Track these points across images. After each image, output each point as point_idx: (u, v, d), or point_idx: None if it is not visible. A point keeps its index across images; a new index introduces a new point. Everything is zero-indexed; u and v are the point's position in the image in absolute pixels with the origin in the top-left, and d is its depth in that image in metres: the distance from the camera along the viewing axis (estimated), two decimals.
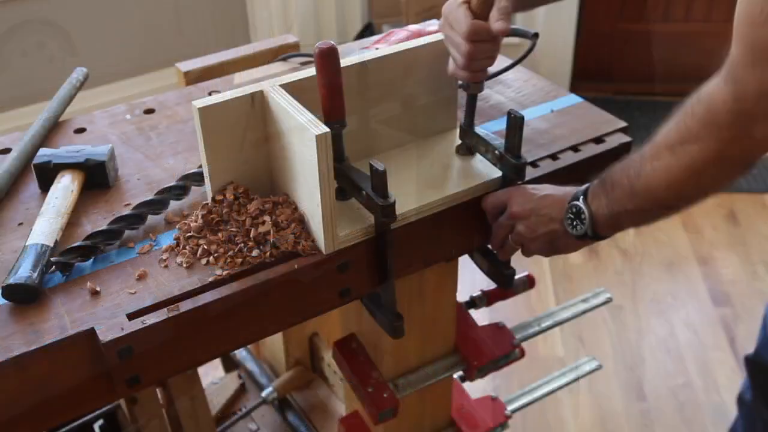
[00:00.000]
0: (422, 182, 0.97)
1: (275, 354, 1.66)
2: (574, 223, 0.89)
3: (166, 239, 0.91)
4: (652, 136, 0.83)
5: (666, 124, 0.81)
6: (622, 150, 1.07)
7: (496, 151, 0.96)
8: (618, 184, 0.85)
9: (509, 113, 0.91)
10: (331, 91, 0.86)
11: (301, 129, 0.82)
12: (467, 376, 1.18)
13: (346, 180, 0.90)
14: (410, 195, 0.94)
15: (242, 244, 0.87)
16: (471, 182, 0.97)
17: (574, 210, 0.89)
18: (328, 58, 0.85)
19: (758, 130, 0.72)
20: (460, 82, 0.99)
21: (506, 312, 2.18)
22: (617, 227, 0.89)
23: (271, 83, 0.90)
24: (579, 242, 0.92)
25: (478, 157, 1.02)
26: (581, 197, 0.89)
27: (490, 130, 1.10)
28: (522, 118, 0.91)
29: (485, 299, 1.29)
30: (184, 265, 0.87)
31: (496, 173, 0.98)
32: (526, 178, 1.00)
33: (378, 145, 1.03)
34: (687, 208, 0.86)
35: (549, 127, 1.10)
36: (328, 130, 0.80)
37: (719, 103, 0.72)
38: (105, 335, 0.77)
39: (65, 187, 0.96)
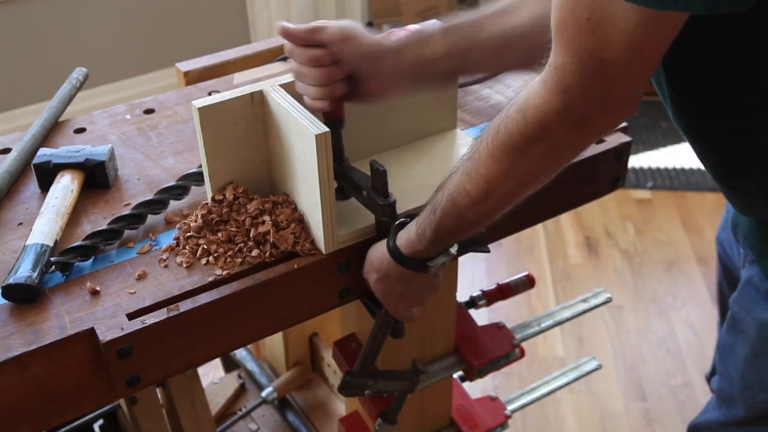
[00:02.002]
0: (421, 182, 0.97)
1: (275, 354, 1.66)
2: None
3: (166, 239, 0.91)
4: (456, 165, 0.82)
5: (471, 150, 0.80)
6: (622, 150, 1.07)
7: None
8: (427, 211, 0.84)
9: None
10: None
11: (301, 129, 0.82)
12: (467, 376, 1.18)
13: (346, 180, 0.90)
14: (409, 195, 0.94)
15: (242, 244, 0.88)
16: None
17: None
18: None
19: (588, 129, 0.72)
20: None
21: (506, 312, 2.18)
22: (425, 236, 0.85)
23: (271, 83, 0.90)
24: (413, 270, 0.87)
25: None
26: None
27: None
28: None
29: (485, 299, 1.29)
30: (184, 265, 0.87)
31: None
32: None
33: (377, 145, 1.03)
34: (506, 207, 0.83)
35: None
36: (327, 129, 0.80)
37: (550, 114, 0.71)
38: (105, 335, 0.77)
39: (65, 187, 0.96)
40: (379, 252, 0.89)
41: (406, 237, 0.86)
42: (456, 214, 0.82)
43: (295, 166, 0.87)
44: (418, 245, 0.85)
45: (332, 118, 0.87)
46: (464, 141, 1.05)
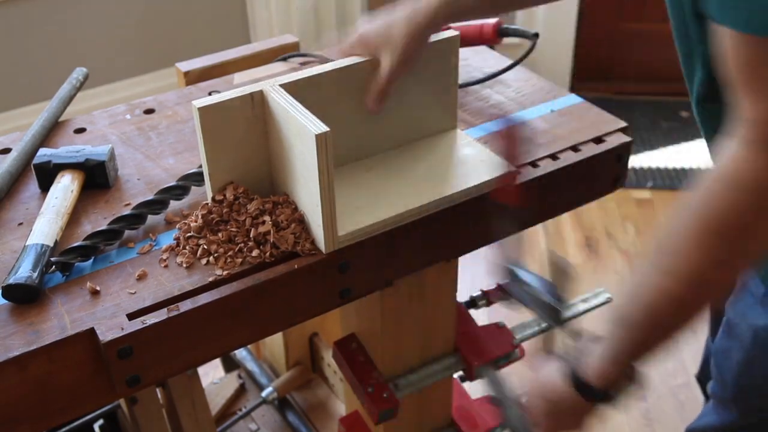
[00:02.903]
0: (422, 183, 0.97)
1: (275, 354, 1.66)
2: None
3: (166, 239, 0.91)
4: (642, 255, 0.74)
5: (665, 231, 0.70)
6: (622, 150, 1.07)
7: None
8: (617, 330, 0.74)
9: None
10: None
11: (301, 129, 0.82)
12: (467, 376, 1.18)
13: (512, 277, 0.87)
14: (409, 196, 0.94)
15: (242, 244, 0.87)
16: (470, 182, 0.97)
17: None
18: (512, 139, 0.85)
19: None
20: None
21: (506, 312, 2.18)
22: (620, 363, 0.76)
23: (271, 83, 0.90)
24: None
25: (479, 156, 1.02)
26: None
27: (489, 130, 1.10)
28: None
29: (485, 299, 1.29)
30: (184, 265, 0.87)
31: (497, 172, 0.98)
32: (526, 179, 0.99)
33: (377, 145, 1.03)
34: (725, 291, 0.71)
35: (549, 127, 1.10)
36: (327, 129, 0.80)
37: (759, 172, 0.61)
38: (105, 335, 0.77)
39: (65, 187, 0.96)
40: (554, 380, 0.79)
41: (595, 366, 0.75)
42: (657, 324, 0.71)
43: (295, 166, 0.87)
44: (612, 373, 0.75)
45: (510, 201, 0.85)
46: (464, 141, 1.06)
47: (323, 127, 0.80)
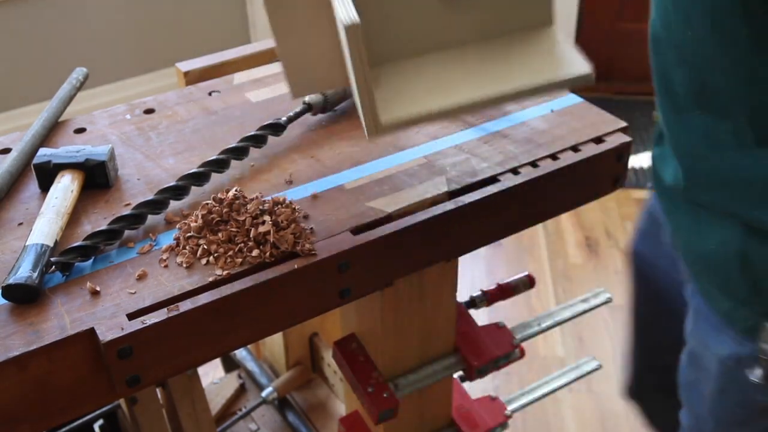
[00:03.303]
0: (488, 75, 0.88)
1: (275, 354, 1.66)
2: None
3: (166, 239, 0.91)
4: None
5: None
6: (622, 150, 1.07)
7: None
8: None
9: None
10: None
11: (337, 18, 0.79)
12: (467, 376, 1.18)
13: None
14: (469, 88, 0.86)
15: (242, 244, 0.88)
16: (536, 78, 0.86)
17: None
18: None
19: None
20: None
21: (506, 312, 2.18)
22: None
23: None
24: None
25: (565, 51, 0.91)
26: None
27: (489, 130, 1.10)
28: None
29: (485, 299, 1.29)
30: (184, 265, 0.87)
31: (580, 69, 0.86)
32: (526, 179, 0.99)
33: (458, 37, 0.91)
34: None
35: (549, 127, 1.10)
36: (357, 21, 0.75)
37: None
38: (105, 335, 0.77)
39: (65, 187, 0.96)
40: None
41: None
42: None
43: (345, 53, 0.84)
44: None
45: None
46: (558, 39, 0.93)
47: (355, 18, 0.76)
